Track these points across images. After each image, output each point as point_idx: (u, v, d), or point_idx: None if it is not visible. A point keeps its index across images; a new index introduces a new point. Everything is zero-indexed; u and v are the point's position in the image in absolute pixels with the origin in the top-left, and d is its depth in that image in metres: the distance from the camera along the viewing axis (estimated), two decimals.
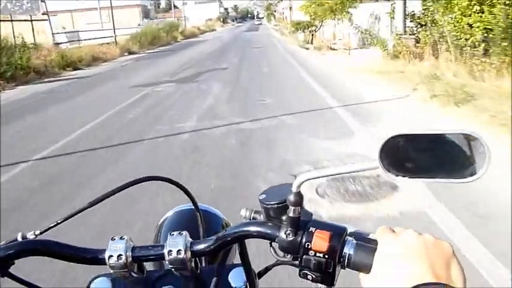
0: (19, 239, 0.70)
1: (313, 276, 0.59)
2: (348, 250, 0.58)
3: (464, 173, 0.56)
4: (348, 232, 0.60)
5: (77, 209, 0.77)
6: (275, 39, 33.06)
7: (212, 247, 0.66)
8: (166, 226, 1.11)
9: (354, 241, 0.58)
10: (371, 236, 0.59)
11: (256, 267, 0.82)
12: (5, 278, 0.68)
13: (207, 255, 0.68)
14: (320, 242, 0.57)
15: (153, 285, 0.79)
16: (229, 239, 0.65)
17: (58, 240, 0.70)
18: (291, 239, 0.59)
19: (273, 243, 0.65)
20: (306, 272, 0.59)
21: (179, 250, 0.65)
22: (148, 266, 0.83)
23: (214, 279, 0.71)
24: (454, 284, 0.51)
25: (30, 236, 0.71)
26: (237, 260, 0.82)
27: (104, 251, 0.68)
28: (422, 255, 0.53)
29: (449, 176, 0.57)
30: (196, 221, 1.05)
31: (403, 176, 0.57)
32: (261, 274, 0.89)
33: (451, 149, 0.56)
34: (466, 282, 0.53)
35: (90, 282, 0.80)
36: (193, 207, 1.06)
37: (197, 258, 1.08)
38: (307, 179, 0.57)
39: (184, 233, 0.67)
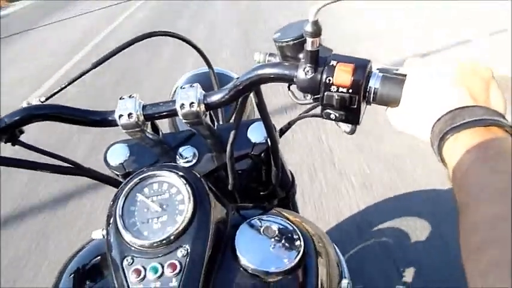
0: (24, 105, 0.67)
1: (337, 115, 0.55)
2: (374, 83, 0.52)
3: None
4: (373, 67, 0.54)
5: (81, 71, 0.72)
6: None
7: (226, 97, 0.61)
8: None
9: (380, 74, 0.53)
10: (399, 71, 0.54)
11: None
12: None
13: (222, 107, 0.64)
14: (342, 75, 0.52)
15: (170, 146, 0.76)
16: (243, 86, 0.60)
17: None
18: (311, 76, 0.54)
19: (291, 86, 0.60)
20: (328, 111, 0.55)
21: (192, 103, 0.61)
22: (164, 131, 0.81)
23: (232, 133, 0.68)
24: (494, 108, 0.47)
25: (35, 102, 0.68)
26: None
27: (113, 111, 0.64)
28: (457, 80, 0.48)
29: None
30: (210, 82, 1.01)
31: None
32: (282, 131, 0.86)
33: None
34: (506, 106, 0.49)
35: (107, 150, 0.79)
36: (207, 69, 1.01)
37: (213, 117, 1.06)
38: (325, 5, 0.50)
39: (196, 85, 0.63)
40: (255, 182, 0.88)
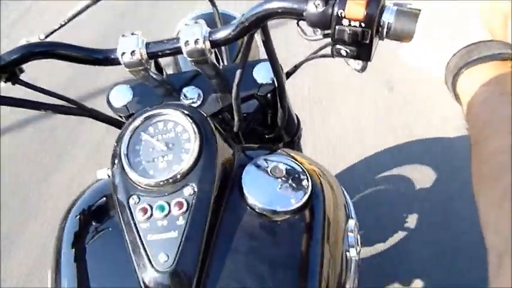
0: (23, 43, 0.65)
1: (348, 51, 0.53)
2: (388, 17, 0.50)
3: None
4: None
5: (80, 7, 0.70)
6: None
7: (233, 34, 0.59)
8: None
9: (394, 7, 0.50)
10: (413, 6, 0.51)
11: None
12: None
13: (228, 44, 0.62)
14: (355, 8, 0.49)
15: (174, 87, 0.75)
16: (250, 22, 0.58)
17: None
18: (322, 9, 0.51)
19: (300, 22, 0.57)
20: (339, 47, 0.53)
21: (197, 40, 0.59)
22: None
23: (238, 72, 0.66)
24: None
25: (34, 40, 0.66)
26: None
27: (116, 49, 0.62)
28: (474, 12, 0.46)
29: None
30: (215, 23, 0.98)
31: None
32: (289, 73, 0.84)
33: None
34: None
35: (110, 92, 0.77)
36: (211, 11, 0.98)
37: (219, 57, 1.03)
38: None
39: (201, 21, 0.60)
40: (261, 125, 0.87)
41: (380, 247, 1.65)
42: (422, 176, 1.84)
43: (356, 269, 0.64)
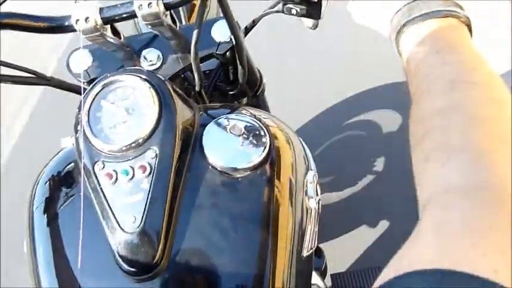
0: None
1: (298, 10, 0.54)
2: None
3: None
4: None
5: None
6: None
7: None
8: None
9: None
10: None
11: None
12: None
13: (182, 5, 0.62)
14: None
15: (134, 50, 0.75)
16: None
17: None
18: None
19: None
20: (289, 6, 0.54)
21: (150, 3, 0.59)
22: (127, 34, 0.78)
23: (195, 32, 0.66)
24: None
25: None
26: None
27: (69, 16, 0.62)
28: None
29: None
30: None
31: None
32: (247, 29, 0.84)
33: None
34: None
35: (69, 57, 0.77)
36: None
37: (175, 17, 1.03)
38: None
39: None
40: (223, 82, 0.88)
41: (348, 192, 1.71)
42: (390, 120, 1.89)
43: (316, 218, 0.68)
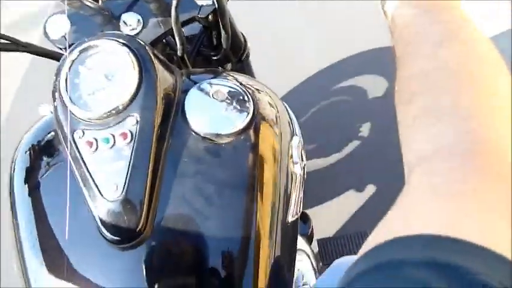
0: None
1: None
2: None
3: None
4: None
5: None
6: None
7: None
8: None
9: None
10: None
11: None
12: None
13: None
14: None
15: (113, 14, 0.72)
16: None
17: None
18: None
19: None
20: None
21: None
22: None
23: None
24: None
25: None
26: None
27: None
28: None
29: None
30: None
31: None
32: None
33: None
34: None
35: (46, 22, 0.74)
36: None
37: None
38: None
39: None
40: (206, 47, 0.86)
41: (334, 158, 1.72)
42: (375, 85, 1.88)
43: (301, 184, 0.68)
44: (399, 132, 0.37)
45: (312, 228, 1.11)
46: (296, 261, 0.68)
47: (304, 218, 1.10)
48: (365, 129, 1.78)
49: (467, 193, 0.28)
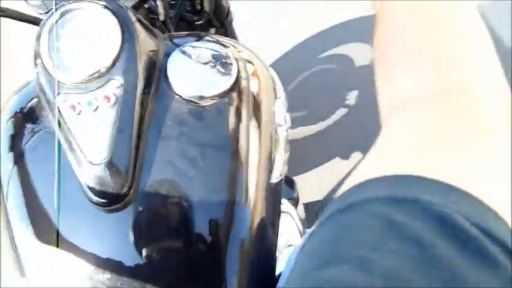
0: None
1: None
2: None
3: None
4: None
5: None
6: None
7: None
8: None
9: None
10: None
11: None
12: None
13: None
14: None
15: None
16: None
17: None
18: None
19: None
20: None
21: None
22: None
23: None
24: None
25: None
26: None
27: None
28: None
29: None
30: None
31: None
32: None
33: None
34: None
35: None
36: None
37: None
38: None
39: None
40: (190, 12, 0.85)
41: (320, 125, 1.73)
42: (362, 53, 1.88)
43: (285, 146, 0.68)
44: (377, 83, 0.38)
45: (298, 194, 1.13)
46: (281, 223, 0.69)
47: (290, 183, 1.11)
48: (351, 97, 1.78)
49: (442, 136, 0.28)
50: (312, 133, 1.72)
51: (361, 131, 1.68)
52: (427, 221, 0.21)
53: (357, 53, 1.88)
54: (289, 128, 0.69)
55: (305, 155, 1.64)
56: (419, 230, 0.21)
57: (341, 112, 1.76)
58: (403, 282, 0.19)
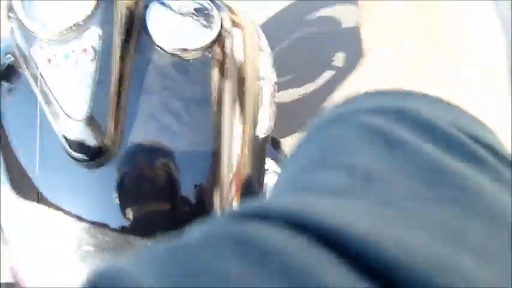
0: None
1: None
2: None
3: None
4: None
5: None
6: None
7: None
8: None
9: None
10: None
11: None
12: None
13: None
14: None
15: None
16: None
17: None
18: None
19: None
20: None
21: None
22: None
23: None
24: None
25: None
26: None
27: None
28: None
29: None
30: None
31: None
32: None
33: None
34: None
35: None
36: None
37: None
38: None
39: None
40: None
41: (308, 87, 1.71)
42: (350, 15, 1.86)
43: (270, 99, 0.68)
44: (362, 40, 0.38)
45: (284, 154, 1.13)
46: (266, 182, 0.69)
47: (276, 144, 1.10)
48: (338, 59, 1.77)
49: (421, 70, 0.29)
50: (300, 96, 1.70)
51: (348, 93, 1.68)
52: (413, 126, 0.21)
53: (344, 14, 1.85)
54: (275, 83, 0.68)
55: (292, 118, 1.63)
56: (404, 135, 0.21)
57: (328, 74, 1.74)
58: (384, 184, 0.19)
